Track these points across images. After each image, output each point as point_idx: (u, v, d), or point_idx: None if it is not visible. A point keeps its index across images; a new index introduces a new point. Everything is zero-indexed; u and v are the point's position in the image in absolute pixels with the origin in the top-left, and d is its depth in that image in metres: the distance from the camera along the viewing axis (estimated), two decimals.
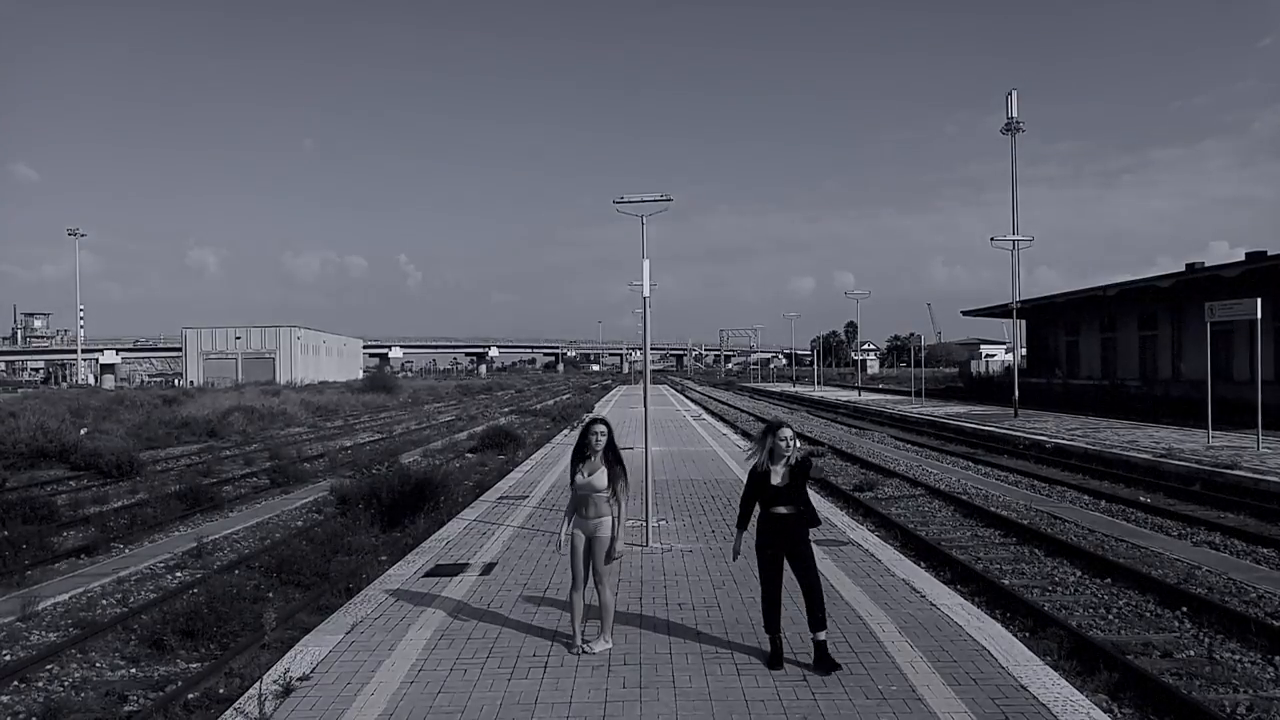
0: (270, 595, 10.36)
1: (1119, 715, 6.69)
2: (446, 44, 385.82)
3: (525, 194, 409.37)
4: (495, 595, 8.48)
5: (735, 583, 8.82)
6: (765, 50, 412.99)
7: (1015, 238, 37.51)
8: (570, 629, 6.89)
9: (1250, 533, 12.95)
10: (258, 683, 6.11)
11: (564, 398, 64.63)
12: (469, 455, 25.44)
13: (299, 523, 15.55)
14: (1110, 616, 9.26)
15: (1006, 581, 10.54)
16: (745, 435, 30.67)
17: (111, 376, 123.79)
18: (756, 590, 8.47)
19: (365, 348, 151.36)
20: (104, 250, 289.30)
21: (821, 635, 6.34)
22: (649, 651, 6.74)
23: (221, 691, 7.27)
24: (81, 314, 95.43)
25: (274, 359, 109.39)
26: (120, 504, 17.44)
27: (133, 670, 8.14)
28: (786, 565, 6.47)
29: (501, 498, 14.84)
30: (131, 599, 10.62)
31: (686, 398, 62.37)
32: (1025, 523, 13.99)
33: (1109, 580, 10.53)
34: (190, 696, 7.23)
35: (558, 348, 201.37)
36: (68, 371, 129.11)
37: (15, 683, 7.77)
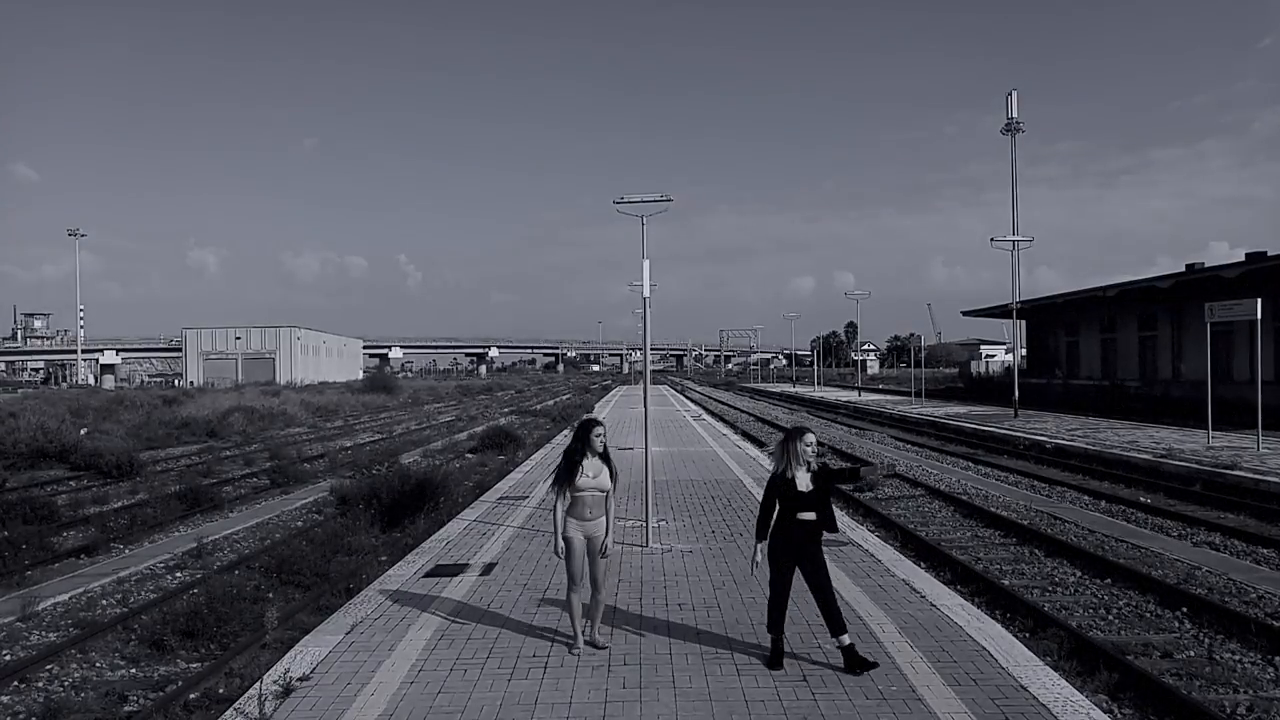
0: (270, 595, 10.36)
1: (1119, 715, 6.69)
2: (447, 44, 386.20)
3: (525, 194, 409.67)
4: (495, 595, 8.48)
5: (735, 583, 8.82)
6: (765, 50, 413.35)
7: (1015, 238, 37.53)
8: (570, 629, 6.90)
9: (1250, 533, 12.95)
10: (258, 683, 6.11)
11: (564, 398, 64.63)
12: (469, 455, 25.45)
13: (299, 523, 15.55)
14: (1110, 617, 9.26)
15: (1007, 582, 10.53)
16: (745, 436, 30.68)
17: (111, 376, 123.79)
18: (756, 590, 8.50)
19: (365, 348, 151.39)
20: (104, 250, 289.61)
21: (847, 639, 6.29)
22: (649, 651, 6.74)
23: (221, 691, 7.27)
24: (81, 314, 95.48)
25: (274, 359, 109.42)
26: (120, 504, 17.45)
27: (133, 670, 8.14)
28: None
29: (501, 498, 14.84)
30: (131, 599, 10.62)
31: (686, 398, 62.37)
32: (1025, 523, 13.99)
33: (1109, 580, 10.53)
34: (190, 696, 7.23)
35: (558, 348, 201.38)
36: (68, 371, 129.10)
37: (15, 683, 7.77)
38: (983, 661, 6.46)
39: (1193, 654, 8.05)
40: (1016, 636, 7.50)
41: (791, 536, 6.33)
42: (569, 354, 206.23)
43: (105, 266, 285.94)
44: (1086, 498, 16.81)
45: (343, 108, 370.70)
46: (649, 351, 12.03)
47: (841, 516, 12.94)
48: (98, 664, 8.32)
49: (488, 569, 9.57)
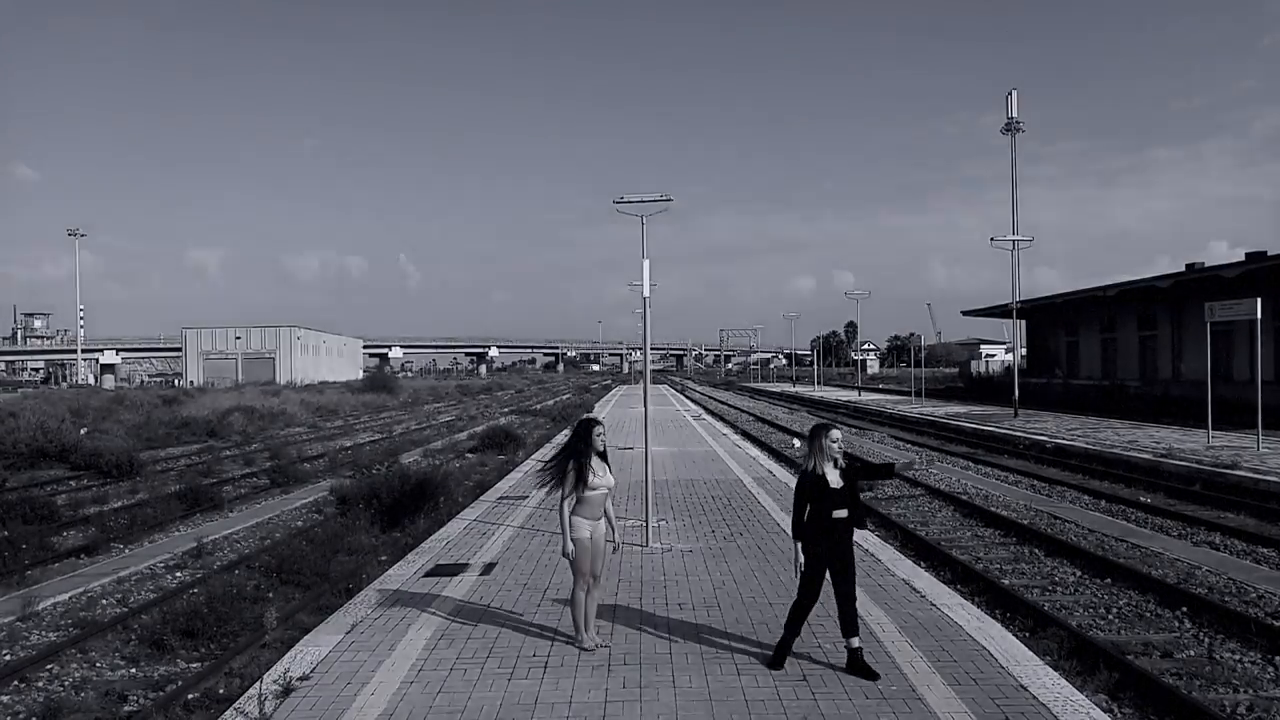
0: (270, 595, 10.36)
1: (1119, 715, 6.69)
2: (447, 45, 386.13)
3: (525, 194, 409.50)
4: (495, 595, 8.48)
5: (735, 582, 8.82)
6: (765, 51, 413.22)
7: (1015, 238, 37.52)
8: (575, 629, 6.90)
9: (1250, 533, 12.95)
10: (258, 683, 6.11)
11: (564, 398, 64.64)
12: (469, 455, 25.44)
13: (299, 523, 15.55)
14: (1110, 616, 9.26)
15: (1006, 581, 10.53)
16: (745, 435, 30.68)
17: (111, 376, 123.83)
18: (757, 590, 8.51)
19: (365, 348, 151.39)
20: (104, 250, 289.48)
21: (856, 642, 6.25)
22: (649, 651, 6.74)
23: (221, 691, 7.27)
24: (81, 314, 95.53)
25: (274, 359, 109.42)
26: (120, 504, 17.44)
27: (133, 670, 8.14)
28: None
29: (501, 498, 14.84)
30: (131, 599, 10.62)
31: (686, 398, 62.39)
32: (1025, 523, 13.99)
33: (1109, 580, 10.53)
34: (190, 696, 7.23)
35: (558, 348, 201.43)
36: (68, 371, 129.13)
37: (15, 683, 7.77)
38: (983, 661, 6.46)
39: (1193, 654, 8.05)
40: (1016, 636, 7.50)
41: (828, 536, 6.22)
42: (569, 354, 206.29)
43: (105, 266, 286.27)
44: (1086, 497, 16.81)
45: (343, 108, 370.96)
46: (649, 351, 12.04)
47: None
48: (98, 664, 8.32)
49: (488, 569, 9.58)
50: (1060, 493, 17.43)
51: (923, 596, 8.22)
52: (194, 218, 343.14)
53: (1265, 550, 12.03)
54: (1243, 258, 34.09)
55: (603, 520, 6.85)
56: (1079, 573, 10.97)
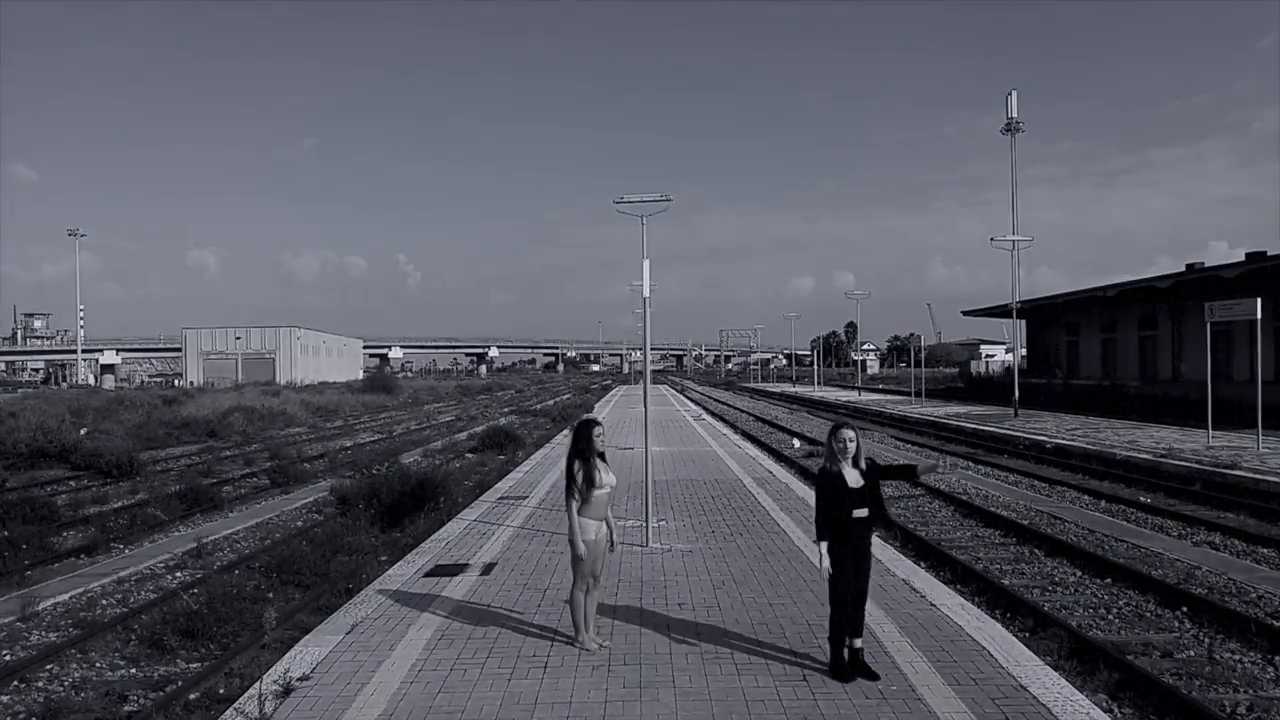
0: (270, 595, 10.36)
1: (1119, 715, 6.69)
2: (447, 44, 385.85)
3: (525, 194, 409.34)
4: (495, 595, 8.48)
5: (735, 582, 8.82)
6: (764, 51, 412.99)
7: (1015, 238, 37.54)
8: (574, 629, 6.90)
9: (1250, 533, 12.95)
10: (258, 683, 6.11)
11: (564, 398, 64.65)
12: (469, 455, 25.46)
13: (299, 523, 15.56)
14: (1110, 616, 9.26)
15: (1007, 581, 10.54)
16: (746, 436, 30.68)
17: (111, 376, 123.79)
18: (757, 590, 8.51)
19: (365, 348, 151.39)
20: (104, 250, 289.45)
21: (859, 643, 6.22)
22: (649, 651, 6.74)
23: (221, 691, 7.27)
24: (81, 314, 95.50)
25: (274, 359, 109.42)
26: (120, 504, 17.45)
27: (133, 670, 8.14)
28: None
29: (501, 498, 14.84)
30: (131, 599, 10.63)
31: (686, 398, 62.39)
32: (1025, 523, 14.00)
33: (1109, 580, 10.53)
34: (190, 696, 7.23)
35: (558, 348, 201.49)
36: (68, 371, 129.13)
37: (15, 683, 7.78)
38: (983, 661, 6.46)
39: (1193, 654, 8.05)
40: (1016, 636, 7.50)
41: (849, 536, 6.17)
42: (569, 354, 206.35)
43: (105, 266, 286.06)
44: (1086, 497, 16.81)
45: (342, 107, 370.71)
46: (649, 351, 12.04)
47: None
48: (98, 664, 8.32)
49: (488, 569, 9.58)
50: (1060, 493, 17.43)
51: (923, 596, 8.22)
52: (194, 218, 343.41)
53: (1265, 550, 12.03)
54: (1243, 258, 34.10)
55: (606, 521, 6.85)
56: (1079, 573, 10.97)
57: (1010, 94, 38.47)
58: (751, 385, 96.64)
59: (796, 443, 27.65)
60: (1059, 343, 52.02)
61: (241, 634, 8.72)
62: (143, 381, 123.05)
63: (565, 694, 5.91)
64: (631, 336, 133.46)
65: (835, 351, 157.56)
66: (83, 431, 30.42)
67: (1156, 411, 33.65)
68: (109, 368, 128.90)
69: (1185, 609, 9.22)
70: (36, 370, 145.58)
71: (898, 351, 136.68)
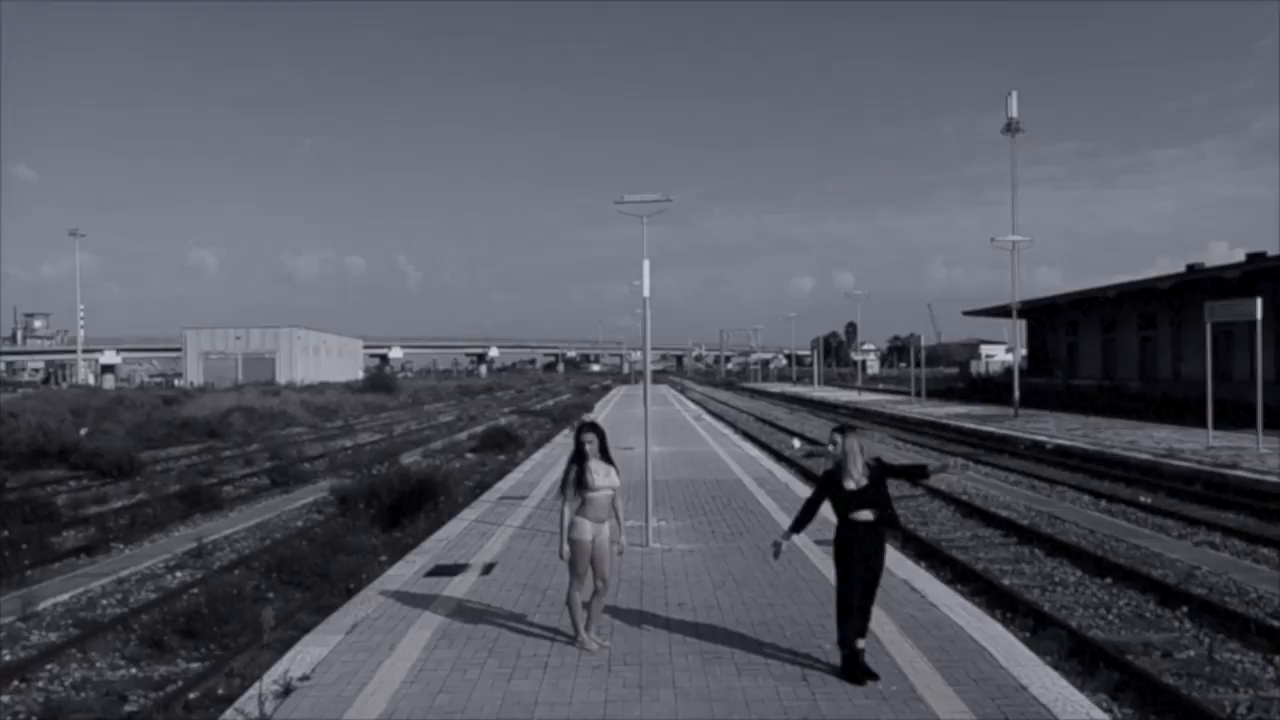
0: (270, 595, 10.36)
1: (1119, 715, 6.69)
2: (447, 45, 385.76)
3: (525, 194, 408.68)
4: (495, 595, 8.48)
5: (735, 582, 8.82)
6: (764, 51, 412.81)
7: (1015, 238, 37.55)
8: (573, 629, 6.90)
9: (1250, 533, 12.95)
10: (258, 683, 6.11)
11: (564, 398, 64.67)
12: (469, 455, 25.46)
13: (299, 523, 15.56)
14: (1110, 616, 9.26)
15: (1007, 581, 10.54)
16: (746, 436, 30.69)
17: (111, 376, 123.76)
18: (757, 590, 8.52)
19: (365, 348, 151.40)
20: (104, 250, 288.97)
21: (861, 644, 6.19)
22: (649, 651, 6.74)
23: (221, 691, 7.26)
24: (81, 314, 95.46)
25: (274, 359, 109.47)
26: (120, 504, 17.44)
27: (133, 670, 8.14)
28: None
29: (502, 498, 14.85)
30: (131, 599, 10.63)
31: (687, 398, 62.40)
32: (1025, 523, 14.00)
33: (1109, 580, 10.53)
34: (190, 696, 7.23)
35: (558, 348, 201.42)
36: (68, 371, 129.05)
37: (15, 683, 7.77)
38: (983, 661, 6.46)
39: (1193, 654, 8.05)
40: (1016, 636, 7.50)
41: (850, 537, 6.13)
42: (569, 354, 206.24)
43: (105, 266, 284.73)
44: (1086, 497, 16.81)
45: (342, 108, 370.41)
46: (649, 351, 12.04)
47: None
48: (98, 664, 8.31)
49: (488, 569, 9.58)
50: (1060, 493, 17.43)
51: (923, 596, 8.22)
52: (194, 218, 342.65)
53: (1265, 550, 12.03)
54: (1243, 258, 34.14)
55: (608, 523, 6.83)
56: (1079, 573, 10.97)
57: (1010, 94, 38.51)
58: (751, 385, 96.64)
59: (796, 443, 27.66)
60: (1059, 343, 52.05)
61: (241, 634, 8.72)
62: (143, 381, 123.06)
63: (565, 694, 5.91)
64: (631, 336, 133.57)
65: (835, 351, 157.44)
66: (83, 431, 30.43)
67: (1157, 411, 33.66)
68: (109, 368, 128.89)
69: (1185, 609, 9.22)
70: (36, 370, 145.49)
71: (898, 351, 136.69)
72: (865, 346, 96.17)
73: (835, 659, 6.34)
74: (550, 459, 20.55)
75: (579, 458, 6.80)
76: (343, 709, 5.72)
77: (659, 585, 8.76)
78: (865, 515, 6.14)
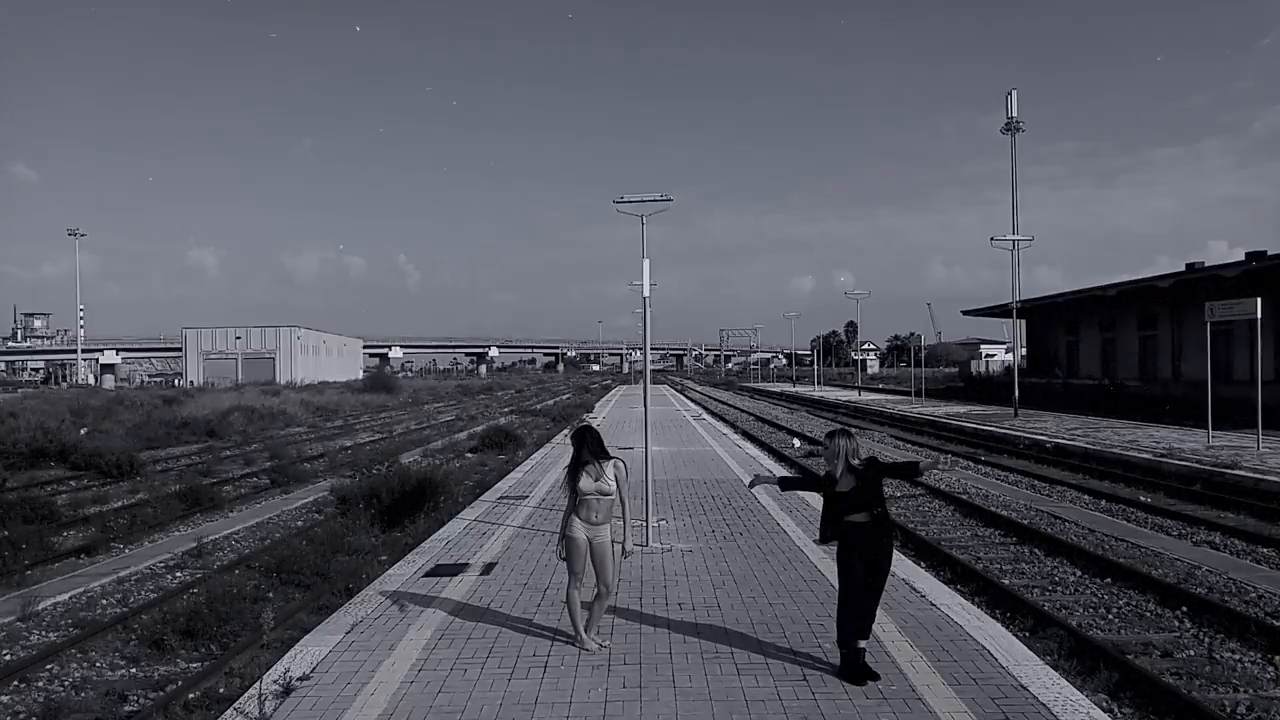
0: (270, 595, 10.36)
1: (1119, 715, 6.69)
2: (447, 45, 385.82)
3: (525, 194, 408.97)
4: (495, 595, 8.48)
5: (735, 582, 8.83)
6: (764, 51, 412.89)
7: (1015, 237, 37.52)
8: (573, 629, 6.90)
9: (1250, 533, 12.95)
10: (258, 683, 6.11)
11: (564, 398, 64.65)
12: (469, 455, 25.45)
13: (299, 523, 15.56)
14: (1110, 616, 9.26)
15: (1006, 581, 10.54)
16: (746, 435, 30.69)
17: (111, 376, 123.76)
18: (757, 590, 8.52)
19: (365, 348, 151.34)
20: (104, 250, 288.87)
21: (862, 644, 6.19)
22: (649, 651, 6.75)
23: (221, 691, 7.27)
24: (81, 314, 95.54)
25: (274, 359, 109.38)
26: (120, 504, 17.44)
27: (133, 670, 8.14)
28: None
29: (502, 498, 14.85)
30: (131, 599, 10.63)
31: (686, 398, 62.40)
32: (1025, 522, 14.00)
33: (1109, 580, 10.53)
34: (190, 696, 7.23)
35: (558, 348, 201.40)
36: (68, 371, 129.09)
37: (15, 683, 7.77)
38: (983, 661, 6.46)
39: (1193, 653, 8.05)
40: (1016, 636, 7.51)
41: (848, 540, 6.14)
42: (569, 354, 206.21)
43: (105, 266, 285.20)
44: (1086, 497, 16.81)
45: (341, 108, 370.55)
46: (649, 351, 12.04)
47: None
48: (98, 664, 8.32)
49: (488, 569, 9.58)
50: (1060, 492, 17.43)
51: (923, 596, 8.22)
52: (194, 218, 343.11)
53: (1265, 550, 12.03)
54: (1243, 258, 34.10)
55: (606, 526, 6.80)
56: (1079, 572, 10.97)
57: (1010, 94, 38.44)
58: (751, 385, 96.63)
59: (796, 442, 27.65)
60: (1059, 342, 52.03)
61: (241, 634, 8.72)
62: (143, 381, 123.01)
63: (565, 694, 5.92)
64: (631, 336, 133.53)
65: (835, 351, 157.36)
66: (83, 431, 30.42)
67: (1156, 411, 33.63)
68: (109, 368, 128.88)
69: (1185, 609, 9.22)
70: (36, 370, 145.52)
71: (898, 351, 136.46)
72: (865, 346, 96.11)
73: (835, 659, 6.35)
74: (550, 459, 20.55)
75: (573, 460, 6.85)
76: (343, 709, 5.73)
77: (659, 585, 8.76)
78: (857, 517, 6.16)
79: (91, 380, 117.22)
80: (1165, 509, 15.07)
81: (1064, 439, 25.15)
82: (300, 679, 6.21)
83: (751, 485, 7.30)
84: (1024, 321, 53.86)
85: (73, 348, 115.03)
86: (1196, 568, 11.00)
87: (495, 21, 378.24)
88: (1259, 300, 22.25)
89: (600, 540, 6.76)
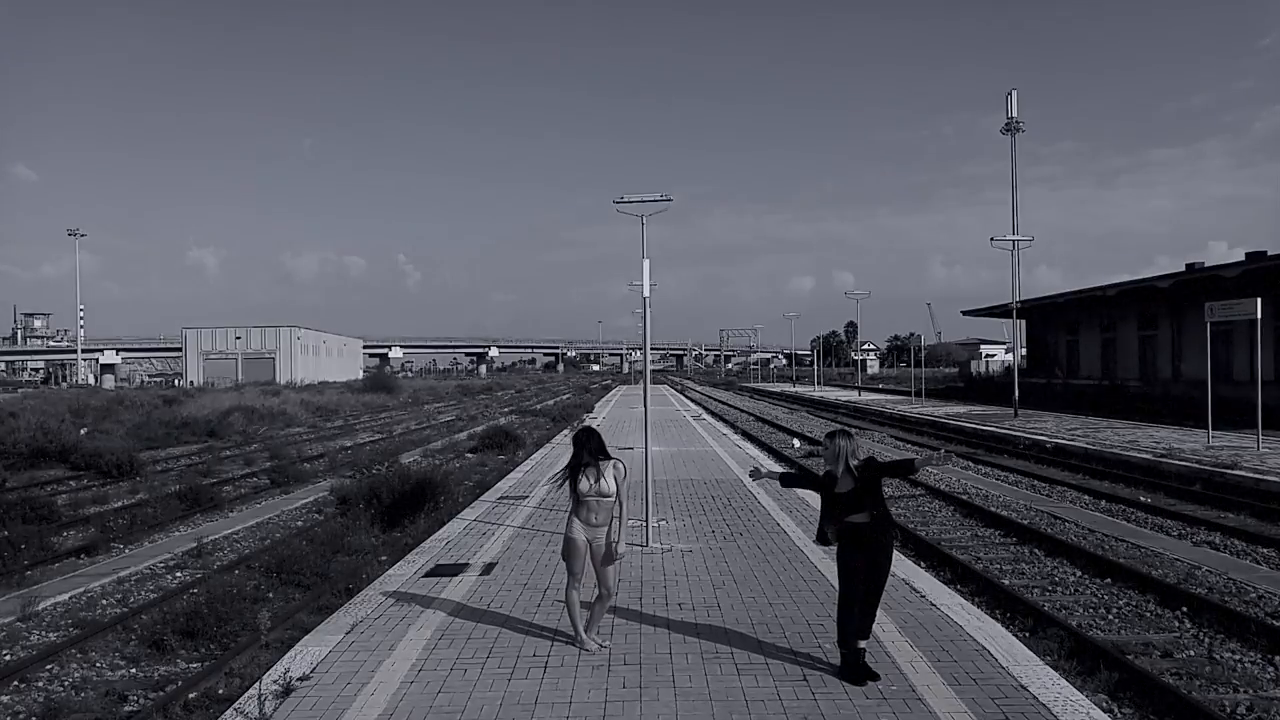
0: (270, 595, 10.36)
1: (1119, 715, 6.69)
2: (447, 45, 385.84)
3: (525, 194, 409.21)
4: (495, 595, 8.48)
5: (735, 582, 8.82)
6: (765, 51, 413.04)
7: (1015, 238, 37.51)
8: (573, 628, 6.91)
9: (1250, 533, 12.95)
10: (258, 683, 6.11)
11: (564, 398, 64.63)
12: (469, 455, 25.45)
13: (299, 523, 15.56)
14: (1110, 616, 9.26)
15: (1006, 581, 10.54)
16: (746, 435, 30.68)
17: (111, 376, 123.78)
18: (757, 590, 8.52)
19: (365, 348, 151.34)
20: (104, 250, 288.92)
21: (862, 644, 6.19)
22: (649, 651, 6.74)
23: (221, 691, 7.27)
24: (81, 314, 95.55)
25: (274, 359, 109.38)
26: (120, 504, 17.44)
27: (133, 670, 8.14)
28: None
29: (501, 498, 14.84)
30: (131, 599, 10.63)
31: (686, 398, 62.39)
32: (1025, 523, 13.99)
33: (1109, 580, 10.53)
34: (190, 696, 7.23)
35: (558, 348, 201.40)
36: (68, 371, 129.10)
37: (15, 683, 7.77)
38: (983, 661, 6.46)
39: (1193, 654, 8.05)
40: (1016, 636, 7.51)
41: (848, 540, 6.14)
42: (569, 354, 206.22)
43: (105, 266, 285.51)
44: (1086, 497, 16.81)
45: (341, 107, 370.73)
46: (649, 351, 12.03)
47: None
48: (98, 664, 8.32)
49: (488, 569, 9.58)
50: (1060, 493, 17.43)
51: (923, 596, 8.22)
52: (194, 218, 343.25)
53: (1265, 550, 12.03)
54: (1243, 258, 34.10)
55: (605, 526, 6.78)
56: (1079, 573, 10.97)
57: (1010, 94, 38.44)
58: (751, 385, 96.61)
59: (796, 443, 27.65)
60: (1059, 342, 52.03)
61: (241, 634, 8.72)
62: (143, 381, 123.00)
63: (565, 694, 5.92)
64: (631, 336, 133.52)
65: (835, 351, 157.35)
66: (83, 431, 30.42)
67: (1156, 411, 33.64)
68: (109, 368, 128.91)
69: (1185, 609, 9.22)
70: (36, 370, 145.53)
71: (898, 351, 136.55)
72: (865, 346, 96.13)
73: (835, 659, 6.35)
74: (550, 459, 20.54)
75: (572, 462, 6.84)
76: (343, 709, 5.73)
77: (659, 585, 8.76)
78: (856, 518, 6.15)
79: (91, 380, 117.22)
80: (1165, 509, 15.06)
81: (1064, 439, 25.15)
82: (300, 679, 6.21)
83: (753, 476, 7.30)
84: (1024, 321, 53.87)
85: (73, 348, 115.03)
86: (1196, 568, 11.00)
87: (496, 22, 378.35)
88: (1259, 300, 22.24)
89: (600, 542, 6.76)
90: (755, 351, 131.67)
